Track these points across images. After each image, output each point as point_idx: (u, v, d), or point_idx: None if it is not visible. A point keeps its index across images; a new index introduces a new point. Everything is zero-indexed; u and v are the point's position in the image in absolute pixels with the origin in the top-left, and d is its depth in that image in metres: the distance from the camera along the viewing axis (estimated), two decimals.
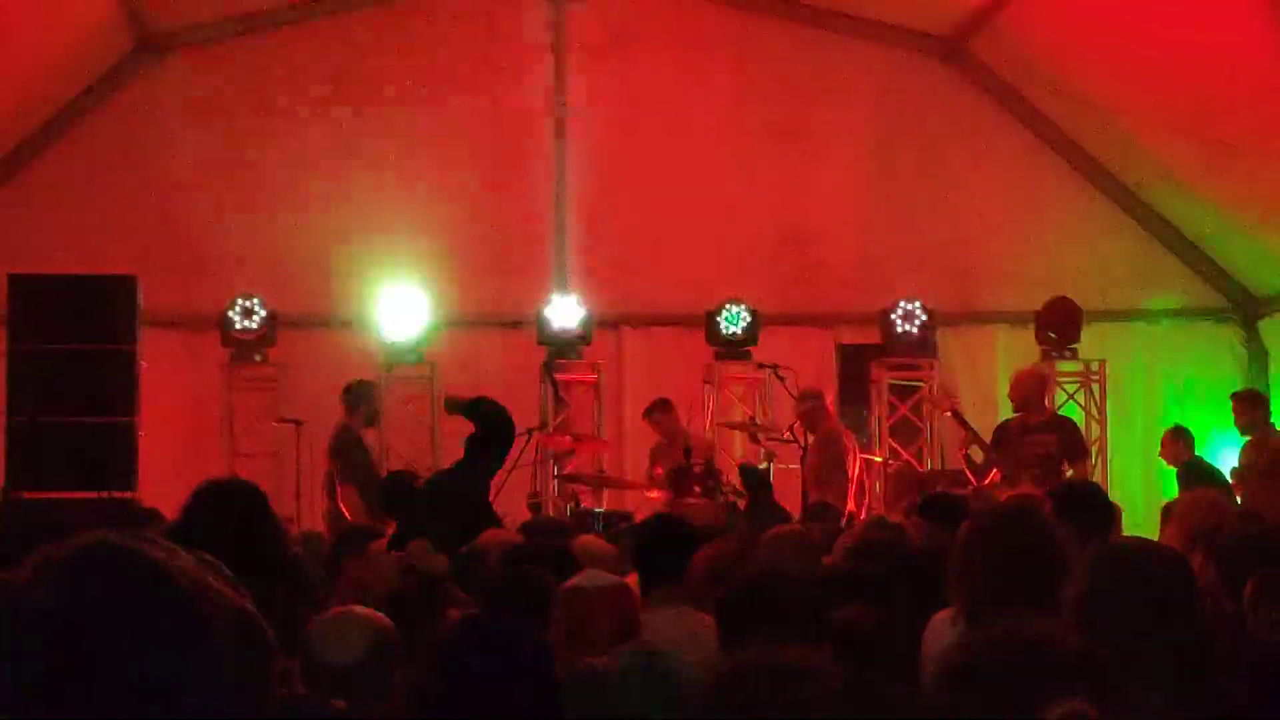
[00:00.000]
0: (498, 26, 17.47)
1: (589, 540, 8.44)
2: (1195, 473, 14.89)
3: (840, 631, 4.88)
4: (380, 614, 5.37)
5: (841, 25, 17.72)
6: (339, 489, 14.07)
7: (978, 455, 14.04)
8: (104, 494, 12.77)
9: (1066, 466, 13.36)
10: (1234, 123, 15.12)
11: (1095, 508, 7.64)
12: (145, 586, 1.90)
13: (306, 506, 14.88)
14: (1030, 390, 14.08)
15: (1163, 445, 15.80)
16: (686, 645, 6.28)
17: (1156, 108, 16.04)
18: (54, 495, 12.44)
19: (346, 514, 13.64)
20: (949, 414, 14.44)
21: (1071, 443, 13.69)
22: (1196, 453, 15.66)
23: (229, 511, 5.76)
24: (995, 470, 13.55)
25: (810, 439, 14.88)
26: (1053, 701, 2.24)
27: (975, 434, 14.02)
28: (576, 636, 5.74)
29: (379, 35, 17.29)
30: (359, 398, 14.70)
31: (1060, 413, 14.85)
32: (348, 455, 14.30)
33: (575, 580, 6.10)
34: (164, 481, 12.77)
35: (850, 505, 14.42)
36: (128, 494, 13.06)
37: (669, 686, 5.35)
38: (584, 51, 17.55)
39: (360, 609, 5.46)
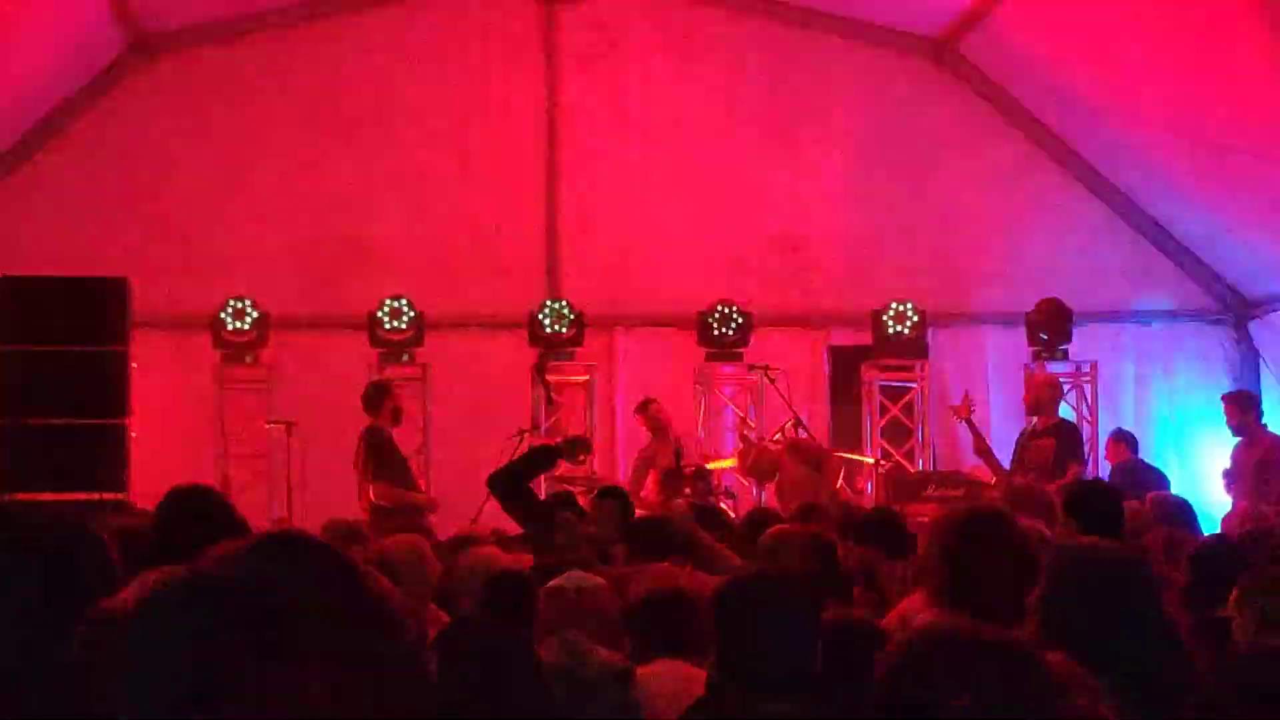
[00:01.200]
0: (488, 29, 17.47)
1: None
2: (1127, 474, 14.85)
3: (832, 632, 4.89)
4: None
5: (832, 26, 17.74)
6: (372, 487, 14.00)
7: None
8: (95, 496, 12.76)
9: (1070, 468, 13.40)
10: (1225, 124, 15.15)
11: (1104, 507, 7.64)
12: (341, 576, 1.94)
13: (298, 508, 14.85)
14: (1042, 396, 14.16)
15: (1106, 447, 15.88)
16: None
17: (1147, 109, 16.06)
18: (44, 497, 12.40)
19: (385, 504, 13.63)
20: (964, 421, 14.36)
21: (1069, 445, 13.73)
22: (1140, 455, 15.69)
23: (199, 516, 5.77)
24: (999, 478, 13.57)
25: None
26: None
27: (984, 443, 13.99)
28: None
29: (370, 38, 17.28)
30: (380, 395, 14.63)
31: (1061, 416, 14.82)
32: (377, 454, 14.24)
33: (557, 581, 6.09)
34: (155, 483, 12.76)
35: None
36: (119, 496, 13.05)
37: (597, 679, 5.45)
38: (575, 53, 17.56)
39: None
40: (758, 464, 14.60)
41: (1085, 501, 7.83)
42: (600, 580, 6.29)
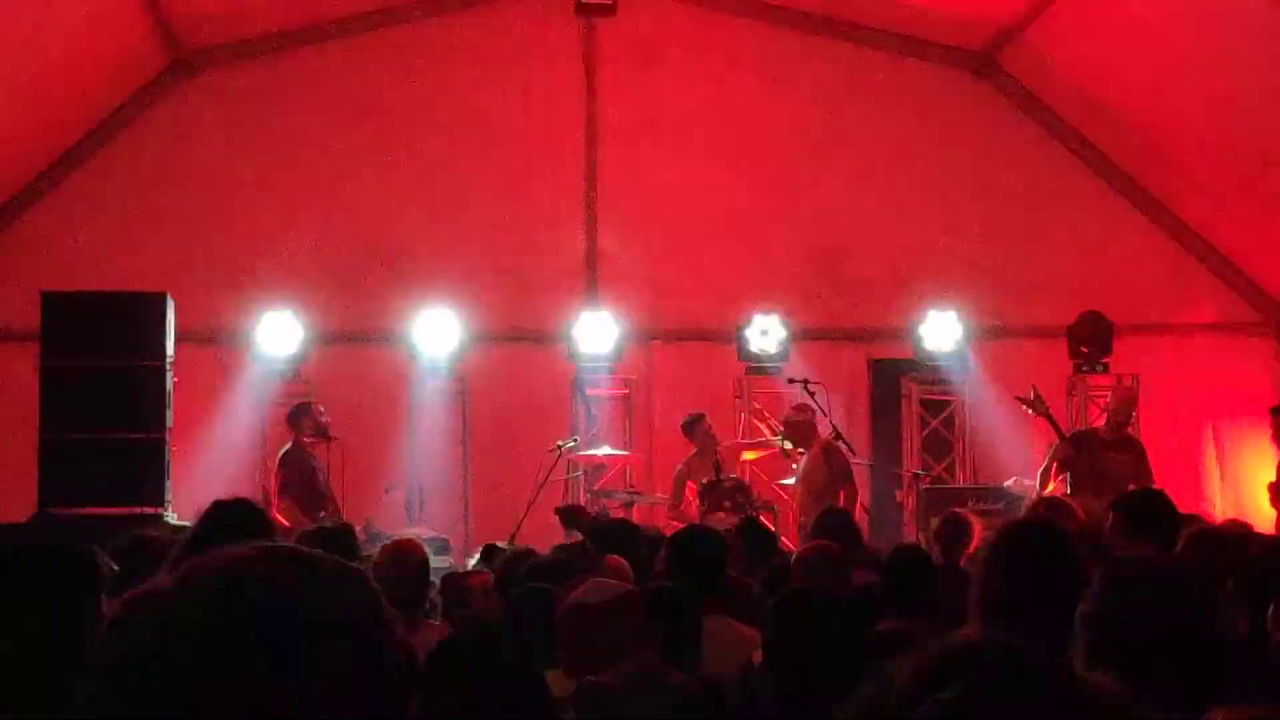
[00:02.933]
0: (528, 42, 17.48)
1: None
2: None
3: (880, 644, 4.85)
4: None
5: (872, 40, 17.71)
6: (276, 501, 14.12)
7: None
8: (134, 510, 12.78)
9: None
10: (1266, 135, 15.06)
11: (1162, 519, 7.55)
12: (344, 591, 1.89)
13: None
14: (1128, 408, 14.09)
15: None
16: (725, 655, 6.27)
17: (1188, 120, 16.00)
18: (84, 511, 12.42)
19: (285, 524, 13.65)
20: (1043, 416, 14.21)
21: (1143, 463, 13.66)
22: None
23: (240, 529, 5.77)
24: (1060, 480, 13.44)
25: (806, 453, 14.63)
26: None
27: (1062, 435, 13.84)
28: (585, 652, 5.60)
29: (410, 52, 17.31)
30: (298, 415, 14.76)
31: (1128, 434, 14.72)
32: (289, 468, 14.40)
33: (579, 594, 5.87)
34: (196, 497, 12.79)
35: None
36: (158, 510, 13.06)
37: (674, 699, 5.33)
38: (614, 67, 17.56)
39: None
40: (798, 428, 14.56)
41: (1143, 513, 7.73)
42: (627, 587, 6.11)
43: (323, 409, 14.80)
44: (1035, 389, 14.28)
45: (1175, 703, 3.72)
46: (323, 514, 14.22)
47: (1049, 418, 13.92)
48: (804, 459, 14.42)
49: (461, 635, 4.99)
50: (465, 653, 4.60)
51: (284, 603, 1.83)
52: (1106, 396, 16.12)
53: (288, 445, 14.52)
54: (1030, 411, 14.20)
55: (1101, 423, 14.31)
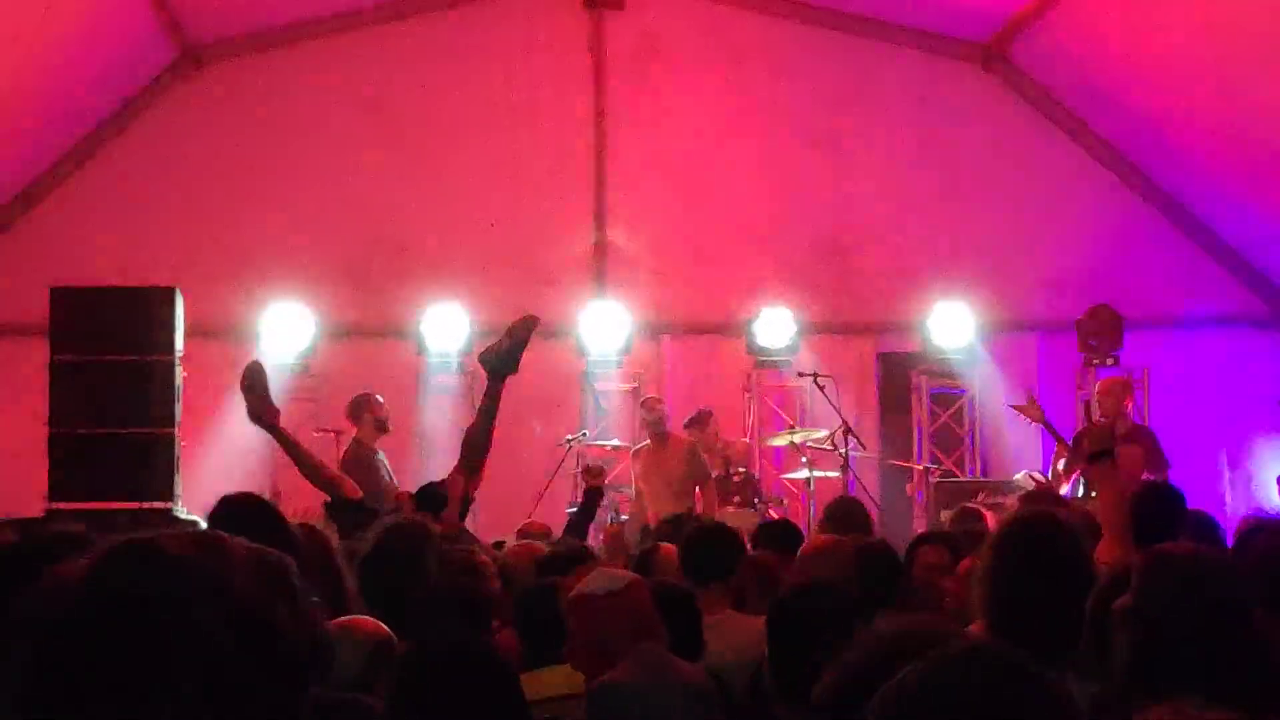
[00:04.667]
0: (535, 36, 17.47)
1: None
2: None
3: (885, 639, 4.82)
4: (383, 625, 5.26)
5: (880, 32, 17.68)
6: None
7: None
8: (143, 505, 12.78)
9: (1149, 477, 13.26)
10: (1276, 128, 15.02)
11: (1169, 512, 7.54)
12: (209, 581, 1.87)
13: None
14: (1120, 399, 14.00)
15: None
16: (731, 647, 6.25)
17: (1197, 114, 15.96)
18: (92, 506, 12.42)
19: None
20: (1038, 423, 14.12)
21: (1154, 454, 13.60)
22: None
23: (250, 525, 5.74)
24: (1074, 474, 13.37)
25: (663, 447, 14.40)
26: None
27: (1062, 441, 13.75)
28: (593, 645, 5.49)
29: (417, 46, 17.30)
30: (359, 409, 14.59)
31: (1136, 422, 14.66)
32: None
33: (584, 586, 5.69)
34: (206, 492, 12.80)
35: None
36: (167, 505, 13.06)
37: (684, 691, 5.31)
38: (622, 60, 17.54)
39: (365, 620, 5.33)
40: (661, 423, 14.35)
41: (1151, 506, 7.72)
42: (633, 576, 5.94)
43: (380, 398, 14.65)
44: (1030, 394, 14.24)
45: (1215, 689, 3.71)
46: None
47: (1045, 424, 13.83)
48: (660, 453, 14.25)
49: (430, 646, 4.89)
50: (434, 664, 4.54)
51: (147, 588, 1.81)
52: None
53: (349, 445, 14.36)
54: (1027, 420, 14.13)
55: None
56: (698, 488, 13.96)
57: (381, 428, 14.18)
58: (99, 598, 1.81)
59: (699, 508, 13.71)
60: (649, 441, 14.21)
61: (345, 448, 14.16)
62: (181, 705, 1.77)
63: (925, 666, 2.14)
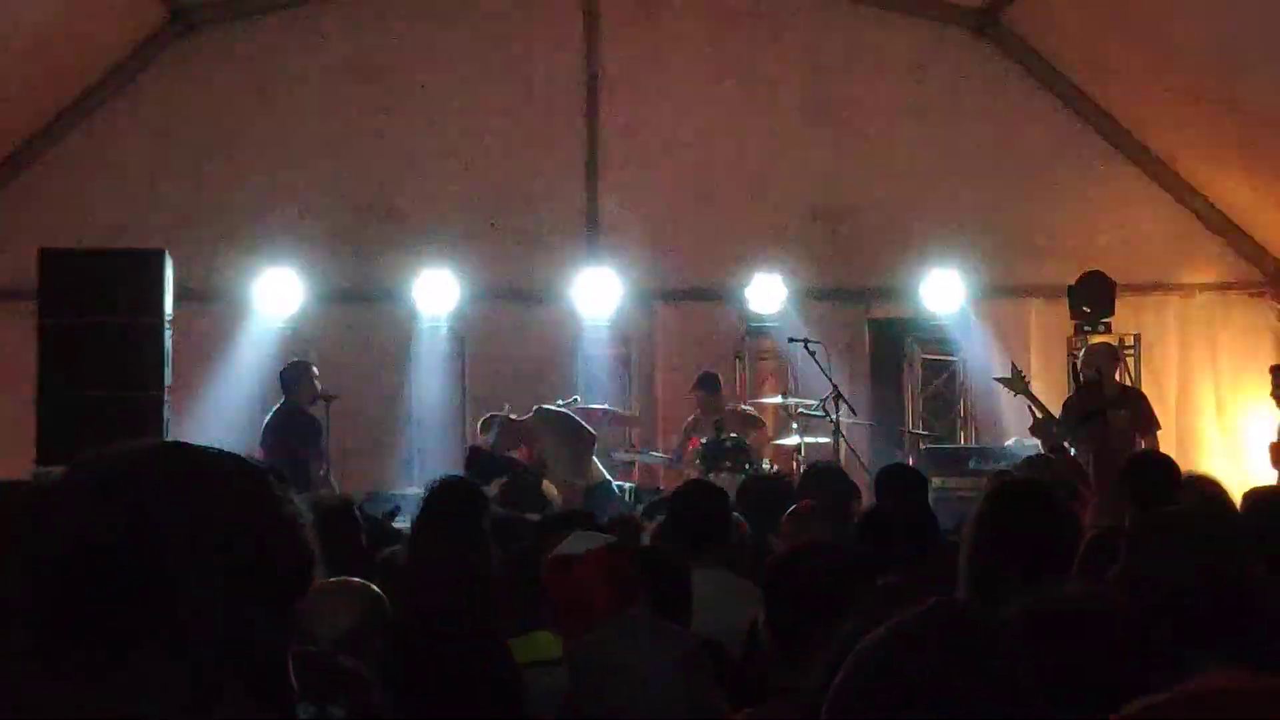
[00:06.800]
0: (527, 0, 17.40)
1: None
2: None
3: (878, 600, 4.82)
4: (372, 585, 5.23)
5: None
6: None
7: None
8: None
9: (1140, 439, 13.27)
10: (1269, 94, 14.99)
11: (1161, 478, 7.55)
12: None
13: (337, 478, 14.87)
14: (1104, 364, 13.96)
15: None
16: (727, 607, 6.24)
17: (1191, 80, 15.91)
18: None
19: None
20: (1020, 395, 14.09)
21: (1145, 416, 13.60)
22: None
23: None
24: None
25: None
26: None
27: (1048, 413, 13.70)
28: (572, 607, 5.46)
29: (410, 9, 17.22)
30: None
31: (1125, 385, 14.64)
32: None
33: (563, 547, 5.62)
34: None
35: None
36: None
37: (669, 652, 5.28)
38: (615, 24, 17.45)
39: (356, 581, 5.30)
40: None
41: (1143, 472, 7.72)
42: (609, 537, 5.90)
43: (316, 371, 14.81)
44: (1015, 366, 14.24)
45: (1215, 641, 3.70)
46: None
47: (1030, 396, 13.81)
48: None
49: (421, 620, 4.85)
50: (426, 632, 4.50)
51: (147, 500, 1.78)
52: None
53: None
54: (1012, 393, 14.12)
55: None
56: None
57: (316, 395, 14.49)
58: (81, 526, 1.78)
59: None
60: None
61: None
62: (173, 626, 1.74)
63: (886, 628, 2.16)
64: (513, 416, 14.45)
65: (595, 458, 14.89)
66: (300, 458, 13.89)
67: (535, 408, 14.65)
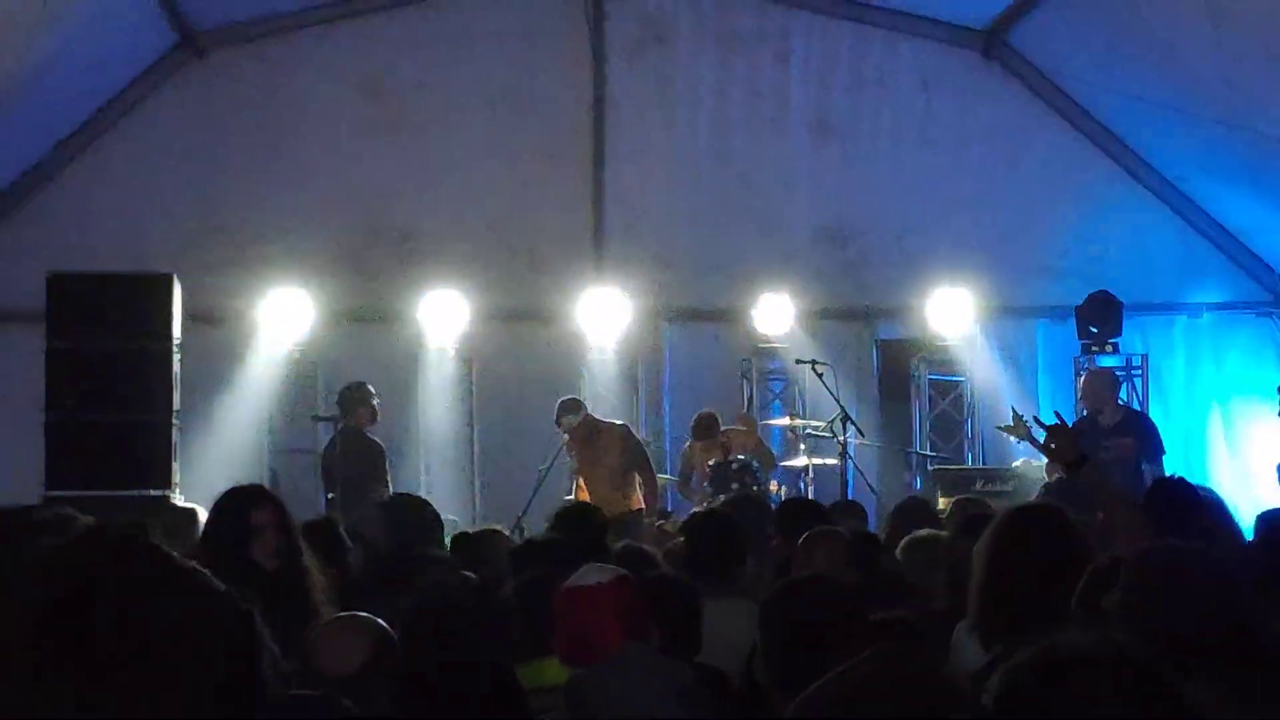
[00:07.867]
0: (536, 22, 17.41)
1: None
2: None
3: (882, 633, 4.82)
4: (381, 621, 5.22)
5: (881, 19, 17.62)
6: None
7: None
8: (140, 492, 12.77)
9: (1145, 465, 13.25)
10: (1277, 115, 14.98)
11: (1184, 506, 7.50)
12: (149, 566, 1.86)
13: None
14: (1103, 392, 13.95)
15: None
16: (739, 638, 6.22)
17: (1197, 100, 15.90)
18: (91, 493, 12.39)
19: None
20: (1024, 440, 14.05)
21: (1149, 441, 13.56)
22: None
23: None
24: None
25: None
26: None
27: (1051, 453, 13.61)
28: (579, 639, 5.44)
29: (418, 31, 17.25)
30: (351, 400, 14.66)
31: (1131, 408, 14.62)
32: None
33: (573, 580, 5.57)
34: (204, 480, 12.82)
35: None
36: (164, 492, 13.05)
37: (668, 689, 5.26)
38: (622, 46, 17.49)
39: (364, 616, 5.30)
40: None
41: (1165, 501, 7.69)
42: (621, 571, 5.80)
43: (372, 388, 14.74)
44: (1015, 411, 14.18)
45: (1215, 675, 3.70)
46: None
47: (1032, 440, 13.76)
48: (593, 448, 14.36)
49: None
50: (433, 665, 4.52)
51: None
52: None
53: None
54: (1014, 440, 14.08)
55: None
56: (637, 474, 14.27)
57: (374, 417, 14.37)
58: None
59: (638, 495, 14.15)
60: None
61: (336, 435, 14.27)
62: None
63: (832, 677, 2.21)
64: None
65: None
66: (368, 490, 13.79)
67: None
